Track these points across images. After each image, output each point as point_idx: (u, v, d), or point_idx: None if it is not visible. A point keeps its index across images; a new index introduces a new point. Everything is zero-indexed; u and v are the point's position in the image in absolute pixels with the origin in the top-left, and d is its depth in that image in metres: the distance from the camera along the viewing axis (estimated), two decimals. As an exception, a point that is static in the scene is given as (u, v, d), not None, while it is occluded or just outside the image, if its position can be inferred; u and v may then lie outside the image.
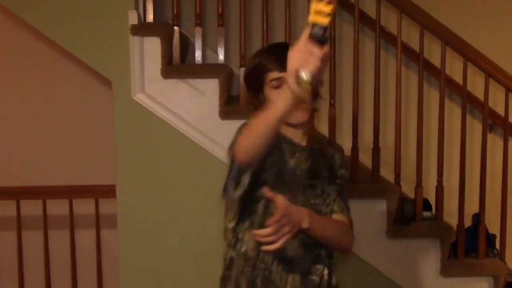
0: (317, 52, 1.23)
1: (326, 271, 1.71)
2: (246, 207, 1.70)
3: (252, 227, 1.65)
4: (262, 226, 1.58)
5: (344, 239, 1.71)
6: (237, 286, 1.74)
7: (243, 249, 1.72)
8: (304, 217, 1.53)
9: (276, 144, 1.59)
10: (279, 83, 1.62)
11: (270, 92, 1.67)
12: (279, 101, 1.34)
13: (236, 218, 1.75)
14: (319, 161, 1.76)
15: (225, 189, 1.68)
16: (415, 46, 3.00)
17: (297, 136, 1.74)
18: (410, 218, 2.80)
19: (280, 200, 1.47)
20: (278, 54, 1.61)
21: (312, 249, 1.69)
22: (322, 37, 1.23)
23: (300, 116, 1.67)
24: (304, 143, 1.75)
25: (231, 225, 1.79)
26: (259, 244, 1.59)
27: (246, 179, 1.57)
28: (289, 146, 1.71)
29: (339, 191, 1.77)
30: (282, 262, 1.67)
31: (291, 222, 1.48)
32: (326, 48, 1.24)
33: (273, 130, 1.38)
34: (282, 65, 1.49)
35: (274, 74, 1.64)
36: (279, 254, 1.65)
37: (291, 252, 1.66)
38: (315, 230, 1.57)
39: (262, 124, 1.39)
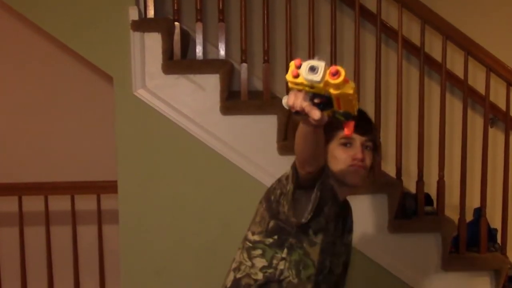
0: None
1: None
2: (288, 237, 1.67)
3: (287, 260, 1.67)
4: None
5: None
6: None
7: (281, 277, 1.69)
8: None
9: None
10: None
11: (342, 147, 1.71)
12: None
13: (267, 237, 1.71)
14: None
15: (296, 214, 1.59)
16: (416, 40, 3.00)
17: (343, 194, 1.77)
18: (411, 212, 2.81)
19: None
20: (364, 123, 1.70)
21: None
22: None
23: (357, 180, 1.70)
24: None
25: (256, 238, 1.74)
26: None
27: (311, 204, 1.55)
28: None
29: None
30: None
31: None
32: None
33: (312, 133, 1.33)
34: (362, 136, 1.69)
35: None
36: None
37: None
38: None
39: (302, 132, 1.35)
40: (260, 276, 1.68)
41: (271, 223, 1.68)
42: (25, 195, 3.10)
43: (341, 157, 1.67)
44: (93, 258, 3.18)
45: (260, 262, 1.69)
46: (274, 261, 1.67)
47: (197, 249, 2.77)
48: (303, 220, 1.57)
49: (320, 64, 1.10)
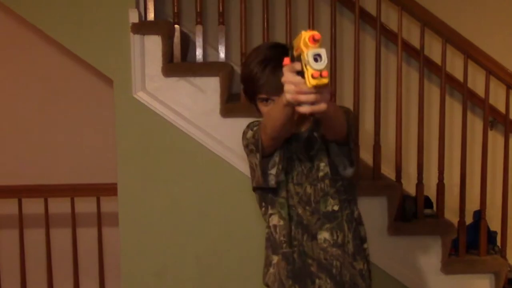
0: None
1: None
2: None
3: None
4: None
5: (341, 122, 1.64)
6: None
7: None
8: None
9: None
10: (268, 101, 1.71)
11: (259, 105, 1.74)
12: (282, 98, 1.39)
13: (261, 208, 1.88)
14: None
15: (262, 180, 1.76)
16: (415, 43, 3.00)
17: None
18: (411, 215, 2.81)
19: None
20: (268, 73, 1.66)
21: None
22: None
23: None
24: (304, 129, 1.80)
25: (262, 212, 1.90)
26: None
27: (278, 166, 1.72)
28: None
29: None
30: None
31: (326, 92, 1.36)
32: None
33: (287, 115, 1.46)
34: (271, 89, 1.63)
35: (262, 95, 1.70)
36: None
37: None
38: (330, 111, 1.44)
39: (276, 112, 1.49)
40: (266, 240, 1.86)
41: (256, 197, 1.88)
42: (25, 197, 3.10)
43: (263, 112, 1.73)
44: (93, 261, 3.18)
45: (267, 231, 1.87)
46: (268, 220, 1.84)
47: (197, 251, 2.77)
48: (273, 184, 1.75)
49: (322, 51, 1.21)
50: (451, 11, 3.17)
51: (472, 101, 3.25)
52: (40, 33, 3.01)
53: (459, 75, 3.04)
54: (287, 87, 1.27)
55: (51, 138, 3.71)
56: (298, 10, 3.08)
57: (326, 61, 1.20)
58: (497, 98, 3.23)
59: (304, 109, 1.28)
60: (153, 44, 2.65)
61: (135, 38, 2.63)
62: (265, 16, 2.74)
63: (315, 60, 1.19)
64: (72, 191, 3.09)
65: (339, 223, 1.79)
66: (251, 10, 2.99)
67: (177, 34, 2.73)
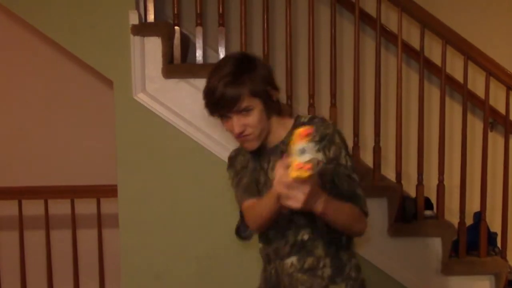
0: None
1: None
2: None
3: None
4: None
5: (355, 224, 1.66)
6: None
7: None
8: (320, 199, 1.44)
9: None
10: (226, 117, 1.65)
11: (222, 121, 1.67)
12: (271, 193, 1.49)
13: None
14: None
15: (238, 231, 1.85)
16: (415, 44, 3.00)
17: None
18: (411, 216, 2.81)
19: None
20: (222, 89, 1.57)
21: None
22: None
23: (252, 145, 1.68)
24: (271, 145, 1.73)
25: None
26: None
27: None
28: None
29: None
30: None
31: (312, 192, 1.38)
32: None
33: (274, 210, 1.54)
34: (226, 105, 1.59)
35: (221, 111, 1.63)
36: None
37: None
38: (328, 214, 1.50)
39: (263, 210, 1.59)
40: None
41: None
42: (25, 199, 3.10)
43: (226, 129, 1.67)
44: (93, 262, 3.17)
45: None
46: None
47: (197, 253, 2.77)
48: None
49: (308, 146, 1.30)
50: (451, 13, 3.17)
51: (472, 102, 3.25)
52: (40, 34, 3.01)
53: (459, 76, 3.04)
54: (275, 179, 1.36)
55: (51, 140, 3.71)
56: (298, 12, 3.08)
57: (311, 156, 1.28)
58: (497, 99, 3.23)
59: (284, 201, 1.37)
60: (153, 45, 2.65)
61: (135, 40, 2.63)
62: (265, 17, 2.74)
63: (301, 153, 1.28)
64: (72, 192, 3.09)
65: (309, 251, 1.70)
66: (251, 12, 2.99)
67: (177, 36, 2.73)
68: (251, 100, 1.59)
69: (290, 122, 1.73)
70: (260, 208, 1.60)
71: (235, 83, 1.57)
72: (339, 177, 1.63)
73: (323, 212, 1.46)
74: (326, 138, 1.62)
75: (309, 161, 1.27)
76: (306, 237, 1.69)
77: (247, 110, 1.60)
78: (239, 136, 1.64)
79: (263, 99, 1.62)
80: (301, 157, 1.27)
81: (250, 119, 1.61)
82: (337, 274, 1.71)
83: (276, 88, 1.67)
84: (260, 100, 1.61)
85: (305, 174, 1.27)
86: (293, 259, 1.71)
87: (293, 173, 1.27)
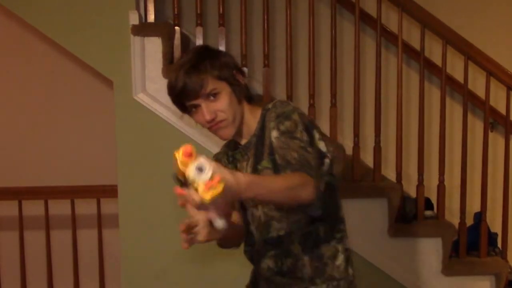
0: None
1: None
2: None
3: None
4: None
5: (300, 190, 1.40)
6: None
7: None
8: (241, 186, 1.23)
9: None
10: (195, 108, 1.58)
11: (192, 116, 1.62)
12: None
13: None
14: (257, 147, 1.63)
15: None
16: (416, 44, 3.00)
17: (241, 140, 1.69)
18: (411, 217, 2.81)
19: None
20: (183, 77, 1.54)
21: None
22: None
23: (226, 133, 1.61)
24: (244, 141, 1.67)
25: None
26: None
27: None
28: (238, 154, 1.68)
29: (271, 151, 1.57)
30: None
31: (226, 196, 1.21)
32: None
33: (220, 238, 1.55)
34: (190, 92, 1.53)
35: (188, 102, 1.58)
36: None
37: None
38: (262, 194, 1.32)
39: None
40: None
41: None
42: (25, 199, 3.10)
43: (198, 122, 1.61)
44: (93, 263, 3.17)
45: None
46: None
47: (197, 254, 2.76)
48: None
49: (201, 161, 1.15)
50: (451, 13, 3.17)
51: (473, 102, 3.25)
52: (40, 35, 3.01)
53: (459, 76, 3.04)
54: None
55: (51, 140, 3.71)
56: (298, 12, 3.08)
57: (209, 168, 1.13)
58: (498, 99, 3.23)
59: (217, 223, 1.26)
60: (154, 45, 2.65)
61: (135, 40, 2.63)
62: (265, 17, 2.74)
63: (199, 172, 1.13)
64: (72, 193, 3.08)
65: (285, 249, 1.62)
66: (251, 12, 2.99)
67: (177, 36, 2.73)
68: (216, 83, 1.53)
69: (259, 112, 1.63)
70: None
71: (197, 68, 1.51)
72: (289, 147, 1.49)
73: (255, 194, 1.29)
74: (282, 115, 1.54)
75: (212, 174, 1.13)
76: (282, 232, 1.61)
77: (214, 95, 1.53)
78: (212, 125, 1.57)
79: (229, 82, 1.55)
80: (202, 176, 1.13)
81: (219, 104, 1.54)
82: (317, 274, 1.61)
83: (242, 72, 1.61)
84: (226, 82, 1.54)
85: (220, 187, 1.12)
86: (269, 262, 1.65)
87: (207, 195, 1.12)
